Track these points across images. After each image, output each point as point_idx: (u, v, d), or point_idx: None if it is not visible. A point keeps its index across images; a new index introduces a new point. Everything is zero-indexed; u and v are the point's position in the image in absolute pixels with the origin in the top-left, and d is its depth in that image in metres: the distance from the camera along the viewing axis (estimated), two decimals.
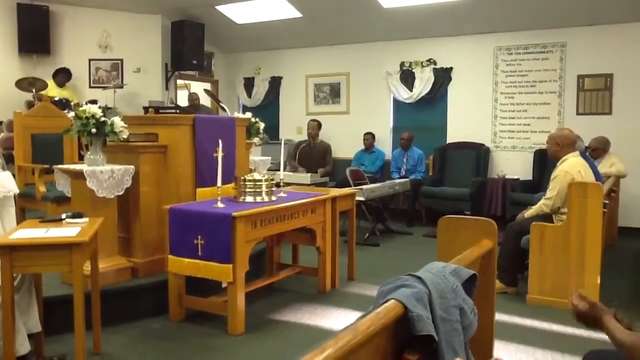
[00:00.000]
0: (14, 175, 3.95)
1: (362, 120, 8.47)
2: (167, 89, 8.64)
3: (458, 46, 7.86)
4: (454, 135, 7.93)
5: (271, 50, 9.33)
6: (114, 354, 3.24)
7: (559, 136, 4.49)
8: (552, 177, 4.41)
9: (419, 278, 1.62)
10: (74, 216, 3.08)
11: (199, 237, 3.51)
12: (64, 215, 3.08)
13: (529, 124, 7.46)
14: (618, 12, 6.64)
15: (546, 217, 4.36)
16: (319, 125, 8.07)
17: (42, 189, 4.79)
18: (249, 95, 9.60)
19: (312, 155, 7.89)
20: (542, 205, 4.39)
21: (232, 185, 4.04)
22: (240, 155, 4.61)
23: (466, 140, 7.74)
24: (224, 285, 3.69)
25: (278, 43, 9.07)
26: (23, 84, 7.15)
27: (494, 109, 7.67)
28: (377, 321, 1.36)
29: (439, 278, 1.66)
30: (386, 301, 1.49)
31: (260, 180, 3.89)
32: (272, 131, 8.61)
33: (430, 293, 1.57)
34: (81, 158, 5.18)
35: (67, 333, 3.04)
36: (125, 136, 3.79)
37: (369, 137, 8.07)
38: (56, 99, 7.00)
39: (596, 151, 6.13)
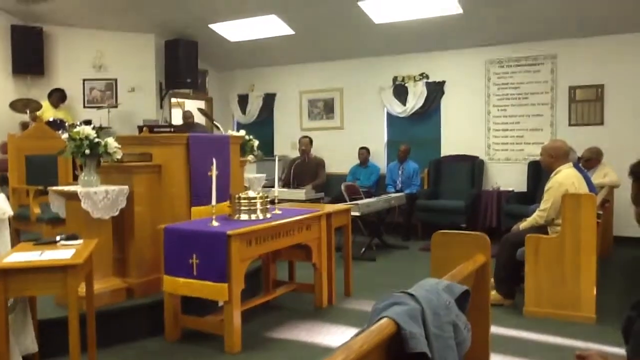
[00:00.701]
0: (8, 197, 3.95)
1: (356, 135, 8.51)
2: (161, 107, 8.66)
3: (450, 60, 7.93)
4: (448, 148, 7.96)
5: (265, 67, 9.39)
6: None
7: (552, 148, 4.52)
8: (546, 188, 4.43)
9: (412, 295, 1.62)
10: (68, 238, 3.08)
11: (194, 256, 3.51)
12: (58, 237, 3.07)
13: (522, 136, 7.50)
14: (608, 24, 6.71)
15: (541, 229, 4.38)
16: (311, 141, 8.08)
17: (37, 210, 4.78)
18: (243, 112, 9.63)
19: (305, 171, 7.88)
20: (536, 217, 4.41)
21: (227, 203, 4.04)
22: (234, 173, 4.62)
23: (460, 153, 7.78)
24: (220, 304, 3.68)
25: (271, 60, 9.13)
26: (17, 105, 7.16)
27: (487, 122, 7.72)
28: (370, 340, 1.36)
29: (432, 295, 1.66)
30: (379, 319, 1.49)
31: (255, 198, 3.90)
32: (267, 147, 8.64)
33: (423, 310, 1.57)
34: (76, 179, 5.18)
35: (62, 355, 3.01)
36: (119, 157, 3.80)
37: (364, 152, 8.10)
38: (51, 119, 7.02)
39: (589, 161, 6.17)
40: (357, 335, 1.40)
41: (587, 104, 7.10)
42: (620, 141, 6.78)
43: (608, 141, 6.64)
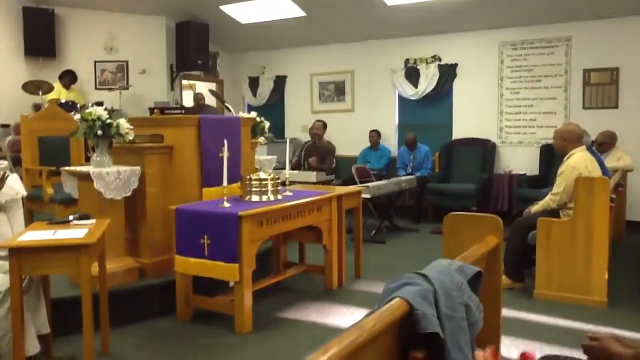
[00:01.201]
0: (21, 178, 3.99)
1: (367, 118, 8.47)
2: (172, 89, 8.66)
3: (463, 42, 7.84)
4: (459, 131, 7.91)
5: (276, 50, 9.34)
6: (122, 354, 3.26)
7: (565, 131, 4.47)
8: (559, 172, 4.39)
9: (424, 276, 1.62)
10: (81, 218, 3.10)
11: (206, 236, 3.53)
12: (71, 217, 3.10)
13: (535, 119, 7.43)
14: (623, 6, 6.59)
15: (553, 213, 4.35)
16: (324, 125, 7.98)
17: (50, 191, 4.83)
18: (254, 94, 9.61)
19: (315, 155, 7.84)
20: (548, 200, 4.38)
21: (238, 184, 4.05)
22: (245, 154, 4.62)
23: (472, 137, 7.73)
24: (230, 284, 3.70)
25: (282, 42, 9.07)
26: (29, 87, 7.18)
27: (500, 105, 7.65)
28: (382, 319, 1.36)
29: (444, 275, 1.66)
30: (391, 299, 1.49)
31: (265, 179, 3.90)
32: (278, 130, 8.63)
33: (435, 291, 1.57)
34: (88, 160, 5.21)
35: (75, 334, 3.06)
36: (131, 138, 3.81)
37: (375, 135, 8.07)
38: (62, 101, 7.04)
39: (603, 145, 6.10)
40: (368, 315, 1.40)
41: (602, 87, 7.00)
42: (635, 125, 6.70)
43: (623, 125, 6.56)
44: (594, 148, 5.42)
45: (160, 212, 4.04)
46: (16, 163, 5.90)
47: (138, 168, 3.91)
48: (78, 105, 6.92)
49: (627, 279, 4.71)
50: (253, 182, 3.88)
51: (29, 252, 2.62)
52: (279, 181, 4.03)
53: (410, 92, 8.17)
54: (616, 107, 6.92)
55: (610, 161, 5.85)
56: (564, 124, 5.46)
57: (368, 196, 5.81)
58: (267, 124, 5.32)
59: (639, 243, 6.09)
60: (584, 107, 7.10)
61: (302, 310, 4.01)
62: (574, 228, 4.11)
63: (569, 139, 4.41)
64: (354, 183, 6.45)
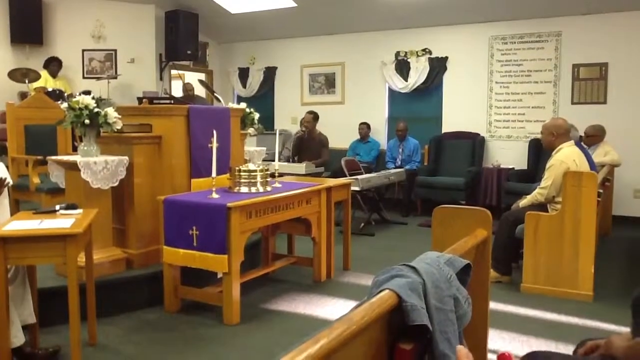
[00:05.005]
0: (7, 167, 3.94)
1: (357, 110, 8.46)
2: (161, 79, 8.60)
3: (453, 36, 7.84)
4: (449, 125, 7.92)
5: (266, 40, 9.29)
6: (109, 345, 3.24)
7: (553, 126, 4.49)
8: (547, 166, 4.41)
9: (413, 268, 1.61)
10: (68, 207, 3.07)
11: (194, 227, 3.51)
12: (57, 207, 3.06)
13: (524, 114, 7.46)
14: (613, 1, 6.62)
15: (541, 207, 4.37)
16: (315, 117, 7.79)
17: (36, 180, 4.77)
18: (244, 85, 9.56)
19: (309, 147, 7.79)
20: (537, 194, 4.40)
21: (227, 175, 4.03)
22: (235, 145, 4.60)
23: (461, 130, 7.74)
24: (219, 275, 3.69)
25: (273, 33, 9.03)
26: (16, 74, 7.08)
27: (489, 99, 7.67)
28: (371, 311, 1.35)
29: (433, 268, 1.65)
30: (380, 291, 1.48)
31: (255, 171, 3.88)
32: (267, 121, 8.60)
33: (424, 283, 1.56)
34: (75, 149, 5.15)
35: (62, 324, 3.05)
36: (119, 127, 3.77)
37: (364, 127, 8.06)
38: (49, 89, 6.96)
39: (591, 138, 6.14)
40: (357, 307, 1.40)
41: (591, 83, 7.04)
42: (622, 120, 6.75)
43: (610, 120, 6.60)
44: (581, 143, 5.45)
45: (148, 203, 4.01)
46: (2, 151, 5.83)
47: (126, 158, 3.88)
48: (65, 94, 6.84)
49: (613, 273, 4.76)
50: (242, 174, 3.86)
51: (14, 242, 2.59)
52: (268, 173, 4.02)
53: (400, 85, 8.17)
54: (604, 102, 6.96)
55: (598, 156, 5.89)
56: (552, 118, 5.49)
57: (357, 189, 5.82)
58: (256, 115, 5.29)
59: (625, 237, 6.16)
60: (572, 102, 7.14)
61: (290, 302, 4.01)
62: (562, 222, 4.14)
63: (557, 133, 4.43)
64: (343, 175, 6.45)
